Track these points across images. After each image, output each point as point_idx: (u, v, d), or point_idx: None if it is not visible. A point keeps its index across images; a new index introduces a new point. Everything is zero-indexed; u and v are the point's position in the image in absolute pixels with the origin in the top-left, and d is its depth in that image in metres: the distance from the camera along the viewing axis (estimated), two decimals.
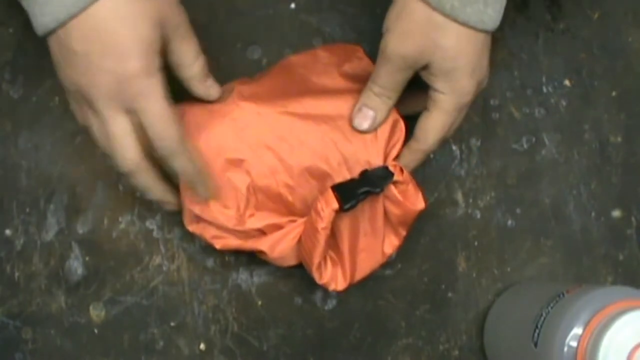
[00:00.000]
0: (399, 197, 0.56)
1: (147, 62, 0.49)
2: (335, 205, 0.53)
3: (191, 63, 0.54)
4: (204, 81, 0.55)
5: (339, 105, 0.56)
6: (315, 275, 0.56)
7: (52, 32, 0.49)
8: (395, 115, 0.57)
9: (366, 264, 0.58)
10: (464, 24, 0.51)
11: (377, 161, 0.56)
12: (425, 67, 0.53)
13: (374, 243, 0.58)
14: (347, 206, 0.53)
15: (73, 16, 0.48)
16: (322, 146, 0.56)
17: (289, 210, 0.56)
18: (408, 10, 0.52)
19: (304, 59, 0.60)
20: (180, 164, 0.52)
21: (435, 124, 0.55)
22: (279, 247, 0.56)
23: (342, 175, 0.56)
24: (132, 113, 0.50)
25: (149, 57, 0.49)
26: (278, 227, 0.56)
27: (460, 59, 0.52)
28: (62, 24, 0.48)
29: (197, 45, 0.54)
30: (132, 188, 0.60)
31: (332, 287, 0.57)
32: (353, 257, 0.57)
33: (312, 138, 0.55)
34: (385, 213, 0.57)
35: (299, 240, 0.56)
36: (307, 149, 0.55)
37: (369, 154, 0.56)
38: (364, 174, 0.55)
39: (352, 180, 0.55)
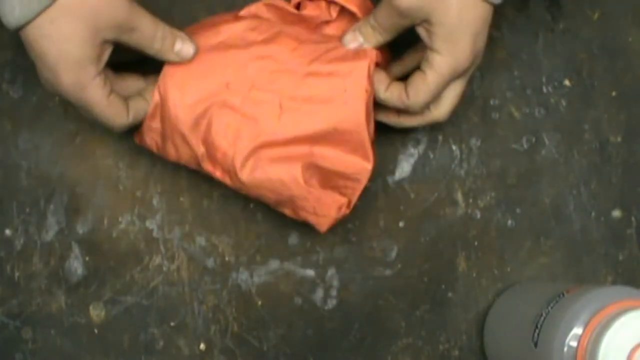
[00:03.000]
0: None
1: (77, 78, 0.50)
2: None
3: (149, 44, 0.53)
4: (170, 50, 0.54)
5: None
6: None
7: (20, 30, 0.50)
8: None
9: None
10: None
11: None
12: (426, 22, 0.53)
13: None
14: None
15: (20, 27, 0.49)
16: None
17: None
18: None
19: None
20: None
21: (427, 85, 0.55)
22: None
23: None
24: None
25: (79, 73, 0.50)
26: None
27: (463, 21, 0.52)
28: (18, 29, 0.50)
29: (150, 23, 0.53)
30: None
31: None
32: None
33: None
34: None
35: None
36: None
37: None
38: None
39: None
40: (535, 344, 0.52)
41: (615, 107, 0.66)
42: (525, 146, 0.66)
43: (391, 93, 0.56)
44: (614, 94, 0.67)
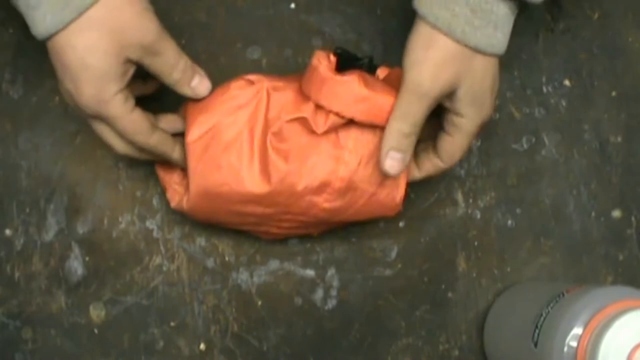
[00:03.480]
0: None
1: (98, 91, 0.50)
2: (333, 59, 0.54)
3: (169, 72, 0.54)
4: (187, 84, 0.55)
5: None
6: None
7: (48, 39, 0.50)
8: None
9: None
10: (474, 48, 0.51)
11: None
12: (449, 95, 0.53)
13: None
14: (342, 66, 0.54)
15: (50, 36, 0.49)
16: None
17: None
18: (438, 42, 0.51)
19: None
20: (152, 152, 0.56)
21: (460, 146, 0.55)
22: None
23: None
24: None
25: (100, 87, 0.50)
26: None
27: (486, 82, 0.53)
28: (48, 38, 0.50)
29: (174, 53, 0.53)
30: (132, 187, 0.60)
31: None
32: None
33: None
34: None
35: None
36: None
37: None
38: (370, 58, 0.56)
39: (355, 56, 0.56)
40: (535, 344, 0.52)
41: (615, 107, 0.66)
42: (525, 146, 0.66)
43: (427, 171, 0.57)
44: (614, 94, 0.67)
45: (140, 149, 0.55)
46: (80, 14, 0.48)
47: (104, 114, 0.52)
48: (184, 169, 0.58)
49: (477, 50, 0.51)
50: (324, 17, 0.65)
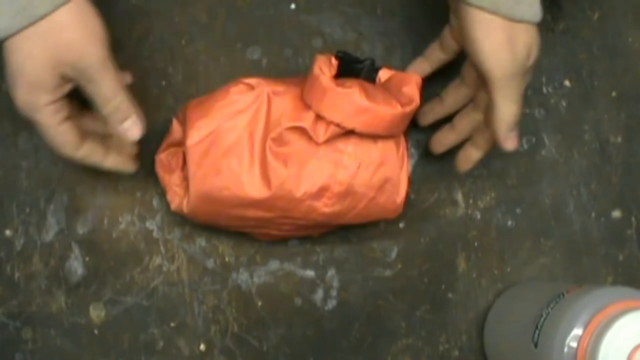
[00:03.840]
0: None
1: (30, 97, 0.52)
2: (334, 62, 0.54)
3: (101, 104, 0.53)
4: (118, 122, 0.54)
5: None
6: None
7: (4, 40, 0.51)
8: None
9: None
10: (519, 21, 0.52)
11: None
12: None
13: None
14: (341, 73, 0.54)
15: (3, 37, 0.50)
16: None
17: None
18: (492, 23, 0.52)
19: None
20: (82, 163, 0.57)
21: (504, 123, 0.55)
22: None
23: None
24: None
25: (32, 93, 0.51)
26: None
27: (518, 70, 0.53)
28: (2, 40, 0.51)
29: (111, 86, 0.53)
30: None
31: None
32: None
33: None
34: None
35: None
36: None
37: None
38: (372, 61, 0.56)
39: (357, 59, 0.56)
40: (536, 345, 0.52)
41: (615, 107, 0.66)
42: (526, 146, 0.66)
43: (498, 125, 0.56)
44: (614, 94, 0.67)
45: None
46: (30, 24, 0.49)
47: (33, 119, 0.53)
48: (183, 170, 0.58)
49: (522, 21, 0.52)
50: (324, 17, 0.65)
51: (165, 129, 0.60)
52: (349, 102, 0.52)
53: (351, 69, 0.55)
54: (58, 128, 0.53)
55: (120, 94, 0.53)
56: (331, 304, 0.64)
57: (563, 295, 0.53)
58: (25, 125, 0.63)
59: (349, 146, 0.55)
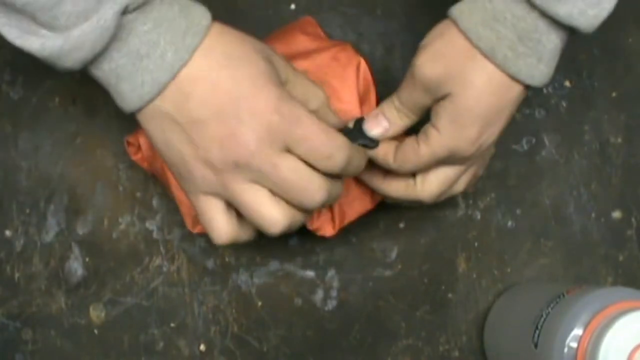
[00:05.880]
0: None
1: (279, 93, 0.43)
2: None
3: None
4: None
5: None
6: (306, 220, 0.51)
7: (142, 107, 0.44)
8: (357, 58, 0.55)
9: (354, 209, 0.57)
10: (513, 75, 0.46)
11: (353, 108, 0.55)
12: (443, 98, 0.48)
13: (363, 188, 0.57)
14: None
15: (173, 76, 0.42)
16: None
17: None
18: (451, 34, 0.47)
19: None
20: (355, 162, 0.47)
21: (417, 157, 0.50)
22: None
23: None
24: (288, 151, 0.44)
25: (279, 84, 0.44)
26: None
27: (481, 106, 0.47)
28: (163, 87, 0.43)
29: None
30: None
31: (321, 233, 0.56)
32: (341, 203, 0.56)
33: None
34: None
35: None
36: None
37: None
38: (359, 122, 0.53)
39: (347, 129, 0.53)
40: (536, 345, 0.52)
41: (616, 107, 0.66)
42: (526, 147, 0.66)
43: (377, 152, 0.52)
44: (614, 94, 0.67)
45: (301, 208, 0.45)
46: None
47: (297, 114, 0.43)
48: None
49: (515, 79, 0.46)
50: (324, 17, 0.65)
51: None
52: None
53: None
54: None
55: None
56: (331, 304, 0.64)
57: (563, 295, 0.53)
58: (25, 125, 0.63)
59: None
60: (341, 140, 0.44)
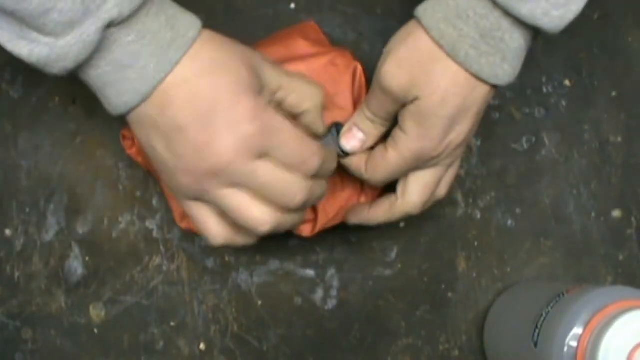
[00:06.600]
0: None
1: (255, 102, 0.44)
2: None
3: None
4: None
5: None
6: (299, 219, 0.51)
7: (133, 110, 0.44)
8: (354, 63, 0.56)
9: (339, 214, 0.58)
10: (475, 74, 0.46)
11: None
12: (411, 102, 0.48)
13: (349, 193, 0.58)
14: None
15: (156, 85, 0.43)
16: None
17: None
18: (416, 37, 0.47)
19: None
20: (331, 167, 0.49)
21: (386, 163, 0.50)
22: None
23: None
24: (264, 157, 0.44)
25: (257, 96, 0.44)
26: None
27: (445, 106, 0.47)
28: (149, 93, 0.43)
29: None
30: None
31: (298, 232, 0.57)
32: (325, 205, 0.57)
33: None
34: None
35: None
36: None
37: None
38: (336, 126, 0.54)
39: (327, 135, 0.53)
40: (535, 344, 0.52)
41: (615, 107, 0.66)
42: (525, 146, 0.66)
43: (350, 159, 0.53)
44: (614, 94, 0.67)
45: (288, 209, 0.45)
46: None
47: (272, 122, 0.43)
48: None
49: (478, 78, 0.46)
50: (324, 17, 0.65)
51: None
52: None
53: None
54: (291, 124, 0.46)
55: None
56: (331, 303, 0.64)
57: (563, 294, 0.53)
58: (25, 125, 0.63)
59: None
60: (315, 146, 0.46)
